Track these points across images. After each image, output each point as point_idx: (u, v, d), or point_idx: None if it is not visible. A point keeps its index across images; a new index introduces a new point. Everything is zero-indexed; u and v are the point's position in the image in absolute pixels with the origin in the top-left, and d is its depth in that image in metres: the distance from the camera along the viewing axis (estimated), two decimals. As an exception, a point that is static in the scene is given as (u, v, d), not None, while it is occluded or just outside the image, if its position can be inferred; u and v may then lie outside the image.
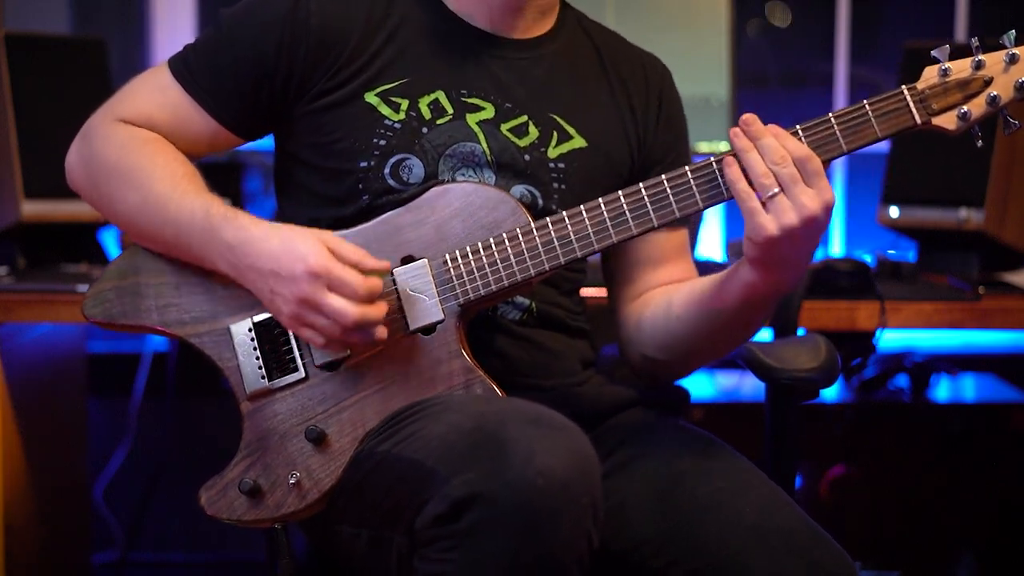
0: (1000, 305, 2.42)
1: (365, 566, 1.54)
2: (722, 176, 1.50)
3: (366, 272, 1.50)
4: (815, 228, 1.47)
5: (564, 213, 1.55)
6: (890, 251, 2.82)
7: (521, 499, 1.30)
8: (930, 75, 1.51)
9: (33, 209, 2.54)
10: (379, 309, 1.50)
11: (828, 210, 1.47)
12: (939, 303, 2.40)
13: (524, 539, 1.31)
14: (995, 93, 1.49)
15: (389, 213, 1.59)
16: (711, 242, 3.23)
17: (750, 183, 1.48)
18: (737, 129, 1.49)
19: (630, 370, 1.78)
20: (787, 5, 3.83)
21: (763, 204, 1.47)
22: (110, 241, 2.81)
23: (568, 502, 1.32)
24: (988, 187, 2.52)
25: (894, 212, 2.75)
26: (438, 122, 1.64)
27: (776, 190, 1.46)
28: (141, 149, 1.62)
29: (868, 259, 2.59)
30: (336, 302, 1.48)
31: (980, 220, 2.55)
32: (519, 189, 1.66)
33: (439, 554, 1.35)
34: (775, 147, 1.47)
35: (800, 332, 2.22)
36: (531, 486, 1.31)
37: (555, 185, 1.67)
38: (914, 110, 1.50)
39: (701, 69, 2.71)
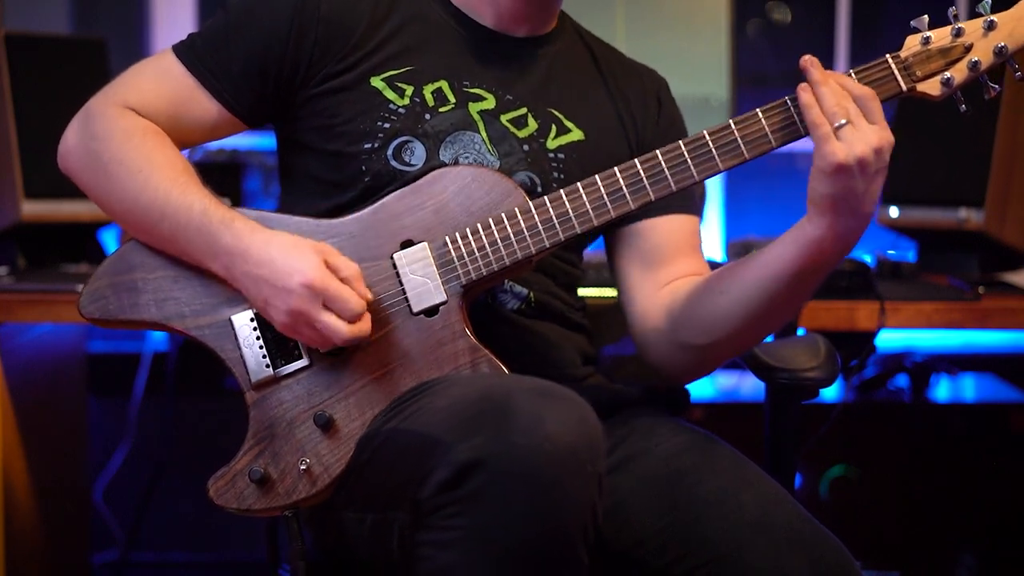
0: (1000, 305, 2.41)
1: (368, 552, 1.54)
2: (795, 104, 1.53)
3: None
4: (879, 163, 1.48)
5: (561, 191, 1.56)
6: (890, 251, 2.82)
7: (528, 463, 1.29)
8: (912, 43, 1.55)
9: (33, 209, 2.54)
10: (367, 325, 1.51)
11: (891, 147, 1.49)
12: (939, 303, 2.40)
13: (530, 504, 1.29)
14: (976, 58, 1.53)
15: (386, 199, 1.59)
16: (711, 242, 3.22)
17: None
18: (812, 58, 1.51)
19: (650, 368, 1.75)
20: (787, 5, 3.82)
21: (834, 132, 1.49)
22: (110, 241, 2.81)
23: (575, 469, 1.32)
24: (988, 187, 2.52)
25: (894, 212, 2.75)
26: (440, 110, 1.66)
27: (845, 120, 1.48)
28: (143, 139, 1.62)
29: (868, 259, 2.59)
30: (330, 320, 1.49)
31: (980, 220, 2.55)
32: (520, 176, 1.67)
33: (443, 521, 1.33)
34: (837, 89, 1.50)
35: (800, 332, 2.22)
36: (538, 450, 1.30)
37: (555, 174, 1.69)
38: (899, 77, 1.53)
39: (701, 69, 2.71)
